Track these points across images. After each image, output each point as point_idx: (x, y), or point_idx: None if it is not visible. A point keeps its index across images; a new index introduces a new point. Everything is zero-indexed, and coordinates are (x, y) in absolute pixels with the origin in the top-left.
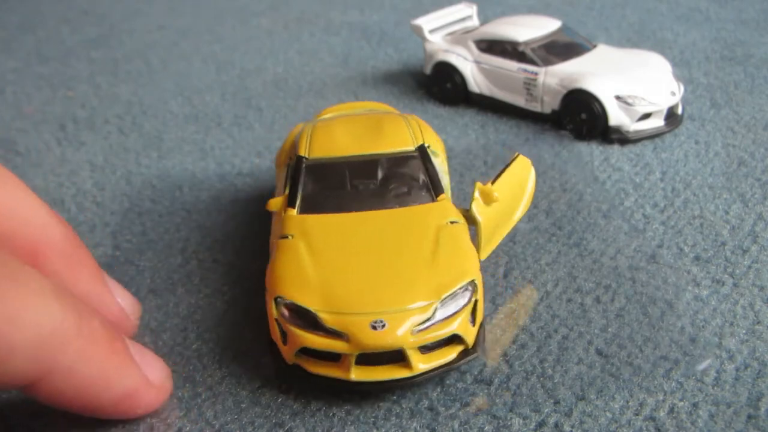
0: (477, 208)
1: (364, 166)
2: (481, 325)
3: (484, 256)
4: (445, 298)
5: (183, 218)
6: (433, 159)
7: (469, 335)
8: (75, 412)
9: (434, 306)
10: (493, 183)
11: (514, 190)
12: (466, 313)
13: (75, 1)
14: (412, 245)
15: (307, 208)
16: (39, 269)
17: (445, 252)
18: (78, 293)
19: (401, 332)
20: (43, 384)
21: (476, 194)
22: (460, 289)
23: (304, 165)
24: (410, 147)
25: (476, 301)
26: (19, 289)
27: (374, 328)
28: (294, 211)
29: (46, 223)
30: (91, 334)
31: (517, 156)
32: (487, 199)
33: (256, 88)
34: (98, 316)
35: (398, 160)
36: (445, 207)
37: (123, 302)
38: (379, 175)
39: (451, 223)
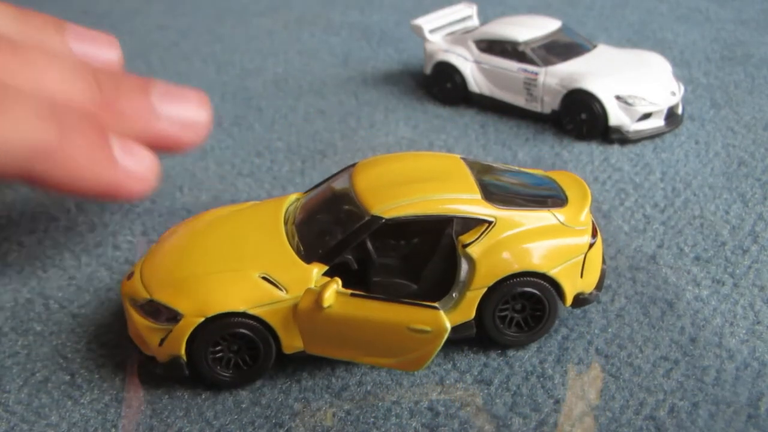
0: (305, 298)
1: (345, 199)
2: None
3: (307, 349)
4: (153, 302)
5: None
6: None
7: (148, 346)
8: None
9: (147, 298)
10: (352, 294)
11: (393, 329)
12: (154, 329)
13: (75, 1)
14: (225, 260)
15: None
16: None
17: (214, 281)
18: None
19: (125, 288)
20: (36, 180)
21: (319, 284)
22: (165, 308)
23: (345, 168)
24: (369, 211)
25: (169, 331)
26: (2, 112)
27: (130, 272)
28: (294, 195)
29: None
30: (71, 145)
31: (433, 312)
32: (318, 302)
33: (256, 88)
34: (81, 125)
35: (352, 214)
36: (289, 266)
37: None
38: (338, 213)
39: (262, 278)
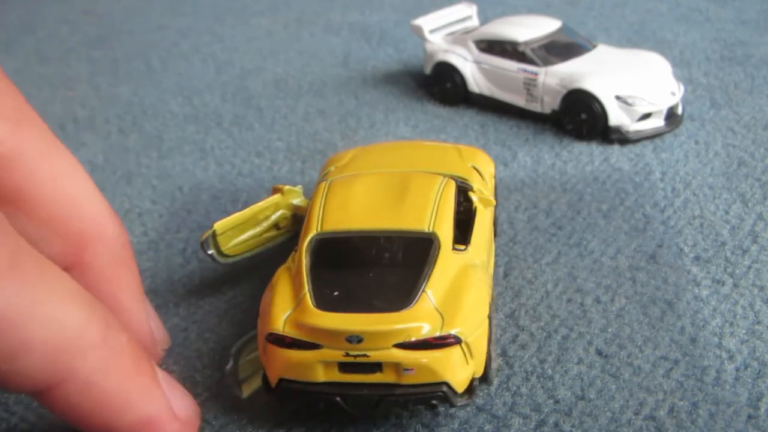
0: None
1: None
2: None
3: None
4: None
5: (183, 218)
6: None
7: None
8: (83, 429)
9: None
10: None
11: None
12: None
13: (75, 1)
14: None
15: None
16: (84, 262)
17: None
18: (115, 300)
19: None
20: (58, 392)
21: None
22: None
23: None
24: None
25: None
26: (44, 286)
27: None
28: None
29: (102, 216)
30: (117, 348)
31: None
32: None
33: (256, 88)
34: (127, 333)
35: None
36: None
37: (155, 328)
38: None
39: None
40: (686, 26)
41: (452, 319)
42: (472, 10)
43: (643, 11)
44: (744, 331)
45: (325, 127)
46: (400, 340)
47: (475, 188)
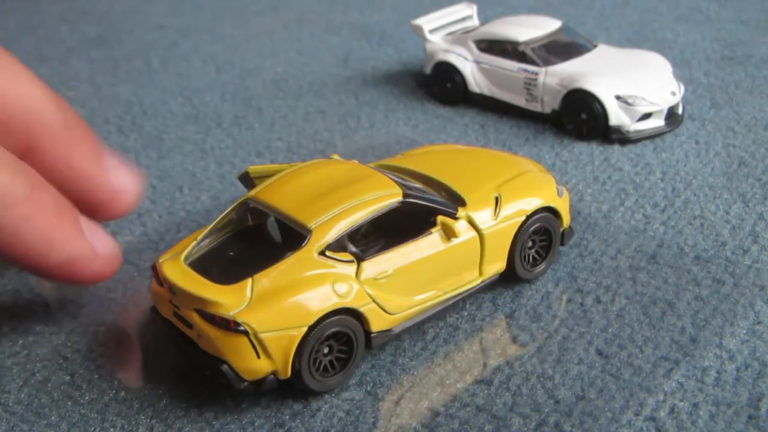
0: None
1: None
2: None
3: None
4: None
5: (183, 218)
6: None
7: None
8: (22, 269)
9: None
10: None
11: None
12: None
13: (75, 1)
14: None
15: None
16: (35, 149)
17: None
18: (73, 172)
19: None
20: None
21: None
22: None
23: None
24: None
25: None
26: None
27: None
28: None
29: (43, 108)
30: (39, 202)
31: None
32: None
33: (256, 88)
34: (52, 191)
35: None
36: None
37: (120, 180)
38: None
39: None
40: (686, 26)
41: (251, 311)
42: (472, 9)
43: (643, 11)
44: (744, 331)
45: (325, 127)
46: (198, 307)
47: (460, 215)
